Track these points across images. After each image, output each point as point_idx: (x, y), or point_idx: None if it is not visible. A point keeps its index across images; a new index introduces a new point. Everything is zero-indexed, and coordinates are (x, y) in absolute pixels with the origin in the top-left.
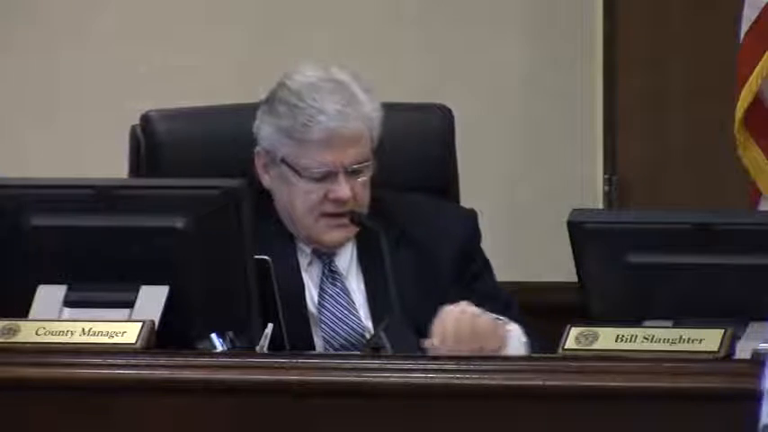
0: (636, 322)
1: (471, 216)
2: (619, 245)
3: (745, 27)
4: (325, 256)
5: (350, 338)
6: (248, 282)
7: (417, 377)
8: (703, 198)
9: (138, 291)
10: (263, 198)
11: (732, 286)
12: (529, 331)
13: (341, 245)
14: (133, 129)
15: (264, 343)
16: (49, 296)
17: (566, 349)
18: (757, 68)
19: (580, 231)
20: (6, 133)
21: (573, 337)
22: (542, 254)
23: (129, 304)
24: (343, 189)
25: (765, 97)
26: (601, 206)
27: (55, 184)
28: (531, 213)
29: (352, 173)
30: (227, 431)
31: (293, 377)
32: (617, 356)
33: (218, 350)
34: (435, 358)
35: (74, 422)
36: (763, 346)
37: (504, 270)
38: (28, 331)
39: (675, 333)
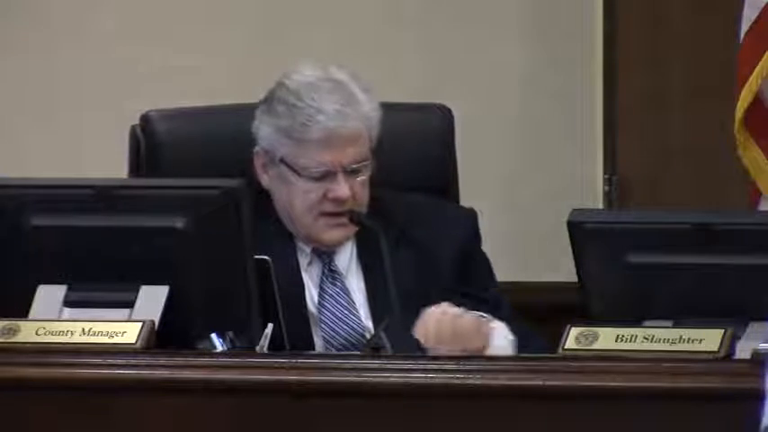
0: (636, 322)
1: (471, 216)
2: (619, 245)
3: (745, 27)
4: (325, 255)
5: (350, 338)
6: (248, 282)
7: (417, 377)
8: (703, 198)
9: (138, 291)
10: (263, 198)
11: (732, 286)
12: (527, 332)
13: (340, 244)
14: (133, 129)
15: (264, 343)
16: (49, 296)
17: (566, 349)
18: (757, 68)
19: (580, 231)
20: (6, 133)
21: (573, 337)
22: (542, 254)
23: (129, 304)
24: (342, 188)
25: (765, 97)
26: (601, 206)
27: (55, 184)
28: (531, 213)
29: (351, 172)
30: (227, 431)
31: (293, 377)
32: (617, 356)
33: (218, 350)
34: (435, 358)
35: (74, 422)
36: (763, 346)
37: (504, 270)
38: (28, 331)
39: (675, 333)
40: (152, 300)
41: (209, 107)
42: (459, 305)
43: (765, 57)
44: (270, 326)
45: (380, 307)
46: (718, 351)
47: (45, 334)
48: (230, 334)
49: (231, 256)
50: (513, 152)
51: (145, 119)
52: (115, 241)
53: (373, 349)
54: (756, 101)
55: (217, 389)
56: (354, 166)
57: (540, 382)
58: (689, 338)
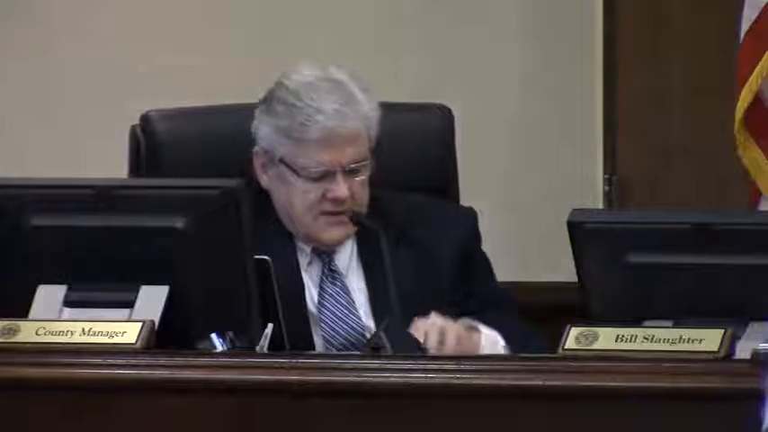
0: (636, 322)
1: (471, 216)
2: (619, 245)
3: (745, 27)
4: (325, 255)
5: (350, 338)
6: (248, 282)
7: (417, 377)
8: (703, 198)
9: (138, 291)
10: (263, 198)
11: (732, 286)
12: (527, 331)
13: (340, 243)
14: (133, 129)
15: (264, 343)
16: (49, 296)
17: (566, 349)
18: (757, 68)
19: (580, 231)
20: (6, 133)
21: (573, 337)
22: (542, 254)
23: (129, 304)
24: (340, 188)
25: (765, 97)
26: (601, 206)
27: (55, 184)
28: (531, 213)
29: (350, 172)
30: (227, 431)
31: (293, 377)
32: (617, 356)
33: (218, 350)
34: (435, 358)
35: (74, 422)
36: (763, 346)
37: (504, 270)
38: (28, 331)
39: (675, 333)
40: (152, 300)
41: (209, 107)
42: (459, 306)
43: (765, 57)
44: (270, 326)
45: (381, 307)
46: (718, 351)
47: (45, 334)
48: (230, 334)
49: (231, 256)
50: (513, 152)
51: (145, 119)
52: (115, 241)
53: (373, 349)
54: (756, 101)
55: (217, 389)
56: (353, 165)
57: (540, 382)
58: (689, 338)
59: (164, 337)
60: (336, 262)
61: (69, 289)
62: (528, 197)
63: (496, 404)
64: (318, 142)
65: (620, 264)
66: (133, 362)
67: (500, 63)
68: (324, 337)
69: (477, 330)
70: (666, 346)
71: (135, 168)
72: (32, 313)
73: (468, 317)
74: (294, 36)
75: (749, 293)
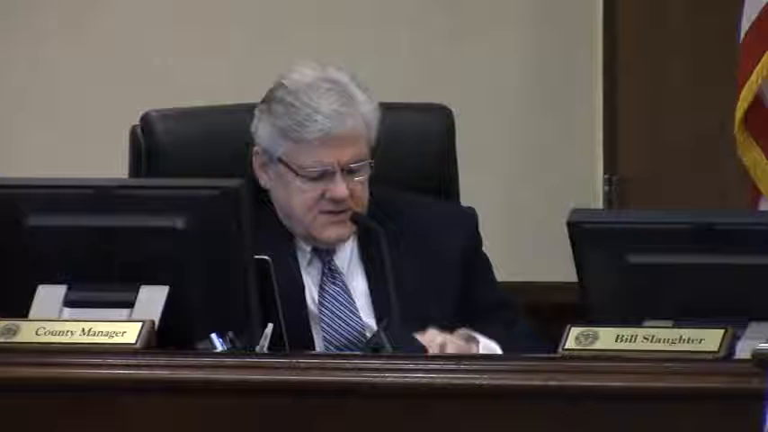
0: (636, 322)
1: (472, 217)
2: (619, 245)
3: (745, 27)
4: (325, 254)
5: (350, 337)
6: (248, 282)
7: (417, 377)
8: (703, 198)
9: (138, 291)
10: (263, 197)
11: (732, 286)
12: (528, 332)
13: (339, 242)
14: (133, 129)
15: (264, 343)
16: (49, 296)
17: (566, 349)
18: (757, 68)
19: (580, 231)
20: (6, 133)
21: (573, 337)
22: (542, 254)
23: (129, 304)
24: (339, 188)
25: (766, 97)
26: (601, 206)
27: (54, 184)
28: (531, 213)
29: (350, 172)
30: (227, 431)
31: (293, 377)
32: (617, 356)
33: (218, 350)
34: (435, 358)
35: (74, 422)
36: (763, 346)
37: (504, 270)
38: (28, 331)
39: (675, 333)
40: (152, 300)
41: (210, 107)
42: (458, 308)
43: (765, 57)
44: (270, 326)
45: (381, 306)
46: (718, 351)
47: (45, 334)
48: (230, 334)
49: (231, 256)
50: (513, 152)
51: (145, 119)
52: (115, 241)
53: (373, 349)
54: (756, 101)
55: (217, 389)
56: (353, 165)
57: (540, 382)
58: (689, 338)
59: (164, 337)
60: (336, 261)
61: (69, 289)
62: (528, 197)
63: (496, 404)
64: (317, 142)
65: (620, 264)
66: (133, 362)
67: (500, 63)
68: (324, 337)
69: (475, 341)
70: (666, 346)
71: (135, 168)
72: (32, 313)
73: (468, 322)
74: (294, 36)
75: (749, 293)
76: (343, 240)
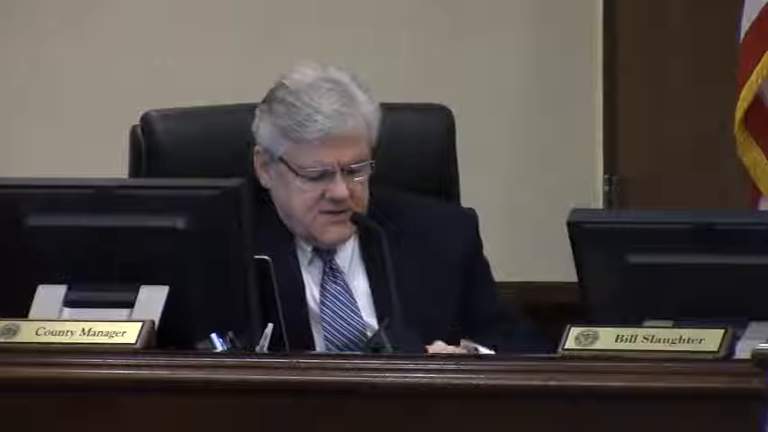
0: (636, 322)
1: (472, 218)
2: (619, 245)
3: (745, 27)
4: (326, 254)
5: (351, 336)
6: (248, 282)
7: (417, 377)
8: (703, 198)
9: (138, 291)
10: (263, 197)
11: (732, 286)
12: (528, 333)
13: (340, 242)
14: (133, 129)
15: (264, 343)
16: (49, 296)
17: (566, 349)
18: (757, 68)
19: (580, 231)
20: (6, 133)
21: (573, 337)
22: (542, 254)
23: (129, 304)
24: (339, 188)
25: (765, 97)
26: (601, 206)
27: (54, 184)
28: (531, 213)
29: (350, 172)
30: (227, 431)
31: (293, 377)
32: (617, 356)
33: (218, 350)
34: (435, 358)
35: (74, 422)
36: (763, 346)
37: (504, 270)
38: (28, 331)
39: (675, 333)
40: (152, 300)
41: (210, 107)
42: (457, 312)
43: (765, 57)
44: (270, 326)
45: (382, 306)
46: (718, 351)
47: (45, 334)
48: (230, 334)
49: (231, 256)
50: (513, 152)
51: (145, 119)
52: (115, 241)
53: (373, 349)
54: (756, 101)
55: (217, 389)
56: (353, 166)
57: (540, 382)
58: (689, 338)
59: (164, 337)
60: (338, 261)
61: (69, 289)
62: (528, 197)
63: (496, 404)
64: (317, 142)
65: (620, 264)
66: (133, 362)
67: (500, 63)
68: (325, 336)
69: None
70: (666, 346)
71: (135, 168)
72: (32, 313)
73: (468, 332)
74: (294, 36)
75: (749, 293)
76: (343, 241)
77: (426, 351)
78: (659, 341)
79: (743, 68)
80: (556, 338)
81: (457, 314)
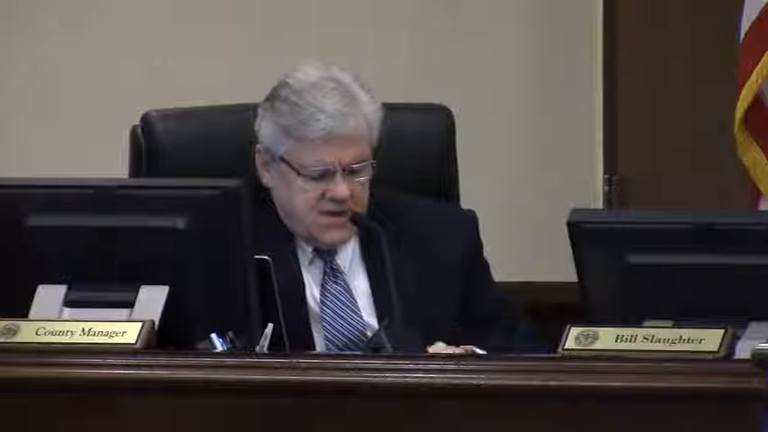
0: (636, 322)
1: (472, 219)
2: (619, 245)
3: (745, 27)
4: (327, 254)
5: (351, 336)
6: (248, 282)
7: (417, 377)
8: (703, 198)
9: (138, 291)
10: (264, 197)
11: (732, 286)
12: (528, 333)
13: (340, 244)
14: (133, 129)
15: (264, 343)
16: (49, 296)
17: (566, 349)
18: (757, 68)
19: (580, 231)
20: (6, 133)
21: (573, 337)
22: (542, 254)
23: (129, 304)
24: (340, 188)
25: (765, 97)
26: (601, 206)
27: (54, 184)
28: (531, 213)
29: (351, 173)
30: (227, 431)
31: (293, 377)
32: (617, 356)
33: (218, 350)
34: (435, 358)
35: (74, 422)
36: (763, 346)
37: (504, 270)
38: (28, 331)
39: (675, 333)
40: (152, 300)
41: (209, 107)
42: (457, 313)
43: (765, 57)
44: (270, 326)
45: (383, 306)
46: (718, 351)
47: (45, 334)
48: (230, 334)
49: (231, 256)
50: (513, 152)
51: (145, 119)
52: (115, 241)
53: (373, 349)
54: (756, 101)
55: (217, 389)
56: (354, 166)
57: (540, 382)
58: (689, 338)
59: (164, 337)
60: (338, 261)
61: (69, 289)
62: (528, 197)
63: (496, 404)
64: (319, 141)
65: (620, 264)
66: (133, 362)
67: (500, 63)
68: (326, 336)
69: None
70: (666, 346)
71: (135, 168)
72: (32, 313)
73: (468, 331)
74: (294, 36)
75: (749, 293)
76: (343, 243)
77: (426, 351)
78: (659, 341)
79: (743, 68)
80: (556, 338)
81: (457, 315)
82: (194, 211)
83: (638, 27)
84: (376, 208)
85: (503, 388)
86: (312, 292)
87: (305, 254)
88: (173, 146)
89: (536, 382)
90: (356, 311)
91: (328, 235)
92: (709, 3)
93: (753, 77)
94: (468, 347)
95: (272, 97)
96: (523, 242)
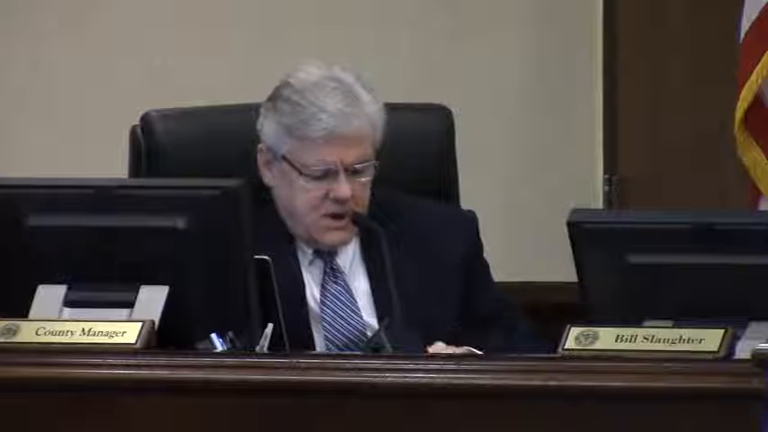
0: (636, 322)
1: (472, 220)
2: (619, 245)
3: (745, 27)
4: (327, 254)
5: (352, 336)
6: (248, 282)
7: (417, 377)
8: (703, 198)
9: (138, 291)
10: (265, 196)
11: (732, 286)
12: (528, 333)
13: (341, 245)
14: (133, 129)
15: (264, 343)
16: (49, 296)
17: (566, 349)
18: (757, 68)
19: (580, 231)
20: (6, 133)
21: (573, 337)
22: (542, 254)
23: (129, 304)
24: (343, 188)
25: (765, 97)
26: (601, 206)
27: (54, 184)
28: (531, 213)
29: (354, 173)
30: (227, 431)
31: (293, 377)
32: (617, 356)
33: (218, 350)
34: (435, 358)
35: (74, 422)
36: (763, 346)
37: (504, 270)
38: (28, 331)
39: (675, 333)
40: (152, 300)
41: (209, 107)
42: (458, 313)
43: (765, 57)
44: (270, 326)
45: (383, 306)
46: (718, 351)
47: (45, 334)
48: (230, 334)
49: (231, 256)
50: (513, 152)
51: (145, 119)
52: (115, 241)
53: (373, 349)
54: (756, 101)
55: (217, 389)
56: (357, 166)
57: (540, 382)
58: (689, 338)
59: (164, 337)
60: (338, 261)
61: (69, 289)
62: (528, 197)
63: (496, 404)
64: (321, 141)
65: (620, 264)
66: (133, 362)
67: (500, 63)
68: (326, 336)
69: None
70: (666, 346)
71: (135, 168)
72: (32, 313)
73: (468, 331)
74: (294, 36)
75: (749, 293)
76: (344, 244)
77: (426, 351)
78: (659, 341)
79: (743, 68)
80: (556, 338)
81: (457, 315)
82: (194, 211)
83: (638, 27)
84: (377, 208)
85: (503, 388)
86: (312, 292)
87: (305, 254)
88: (173, 146)
89: (536, 382)
90: (356, 311)
91: (329, 236)
92: (709, 3)
93: (753, 77)
94: (466, 348)
95: (274, 97)
96: (523, 242)
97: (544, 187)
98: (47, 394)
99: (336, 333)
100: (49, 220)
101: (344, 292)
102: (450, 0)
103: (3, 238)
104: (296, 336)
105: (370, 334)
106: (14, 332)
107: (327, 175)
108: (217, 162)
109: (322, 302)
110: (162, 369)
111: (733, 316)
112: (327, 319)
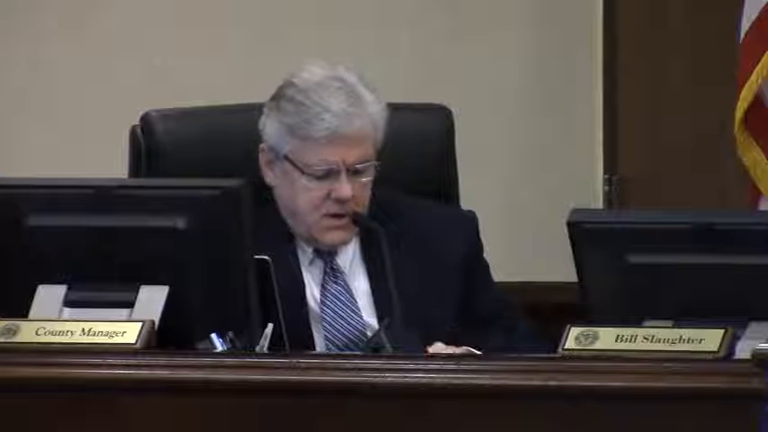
0: (636, 322)
1: (472, 220)
2: (619, 245)
3: (745, 27)
4: (327, 254)
5: (352, 336)
6: (248, 282)
7: (417, 377)
8: (703, 198)
9: (138, 291)
10: (266, 196)
11: (732, 286)
12: (528, 333)
13: (341, 245)
14: (133, 129)
15: (264, 343)
16: (49, 296)
17: (566, 349)
18: (757, 68)
19: (580, 231)
20: (6, 133)
21: (573, 337)
22: (542, 254)
23: (129, 304)
24: (344, 188)
25: (765, 97)
26: (601, 206)
27: (54, 184)
28: (531, 213)
29: (355, 173)
30: (227, 431)
31: (293, 377)
32: (617, 356)
33: (218, 350)
34: (435, 358)
35: (74, 422)
36: (763, 346)
37: (504, 270)
38: (28, 331)
39: (675, 333)
40: (152, 300)
41: (209, 107)
42: (458, 313)
43: (765, 57)
44: (270, 326)
45: (383, 306)
46: (718, 351)
47: (45, 334)
48: (230, 334)
49: (231, 256)
50: (513, 152)
51: (145, 119)
52: (115, 241)
53: (373, 349)
54: (756, 101)
55: (217, 389)
56: (359, 166)
57: (540, 382)
58: (689, 338)
59: (164, 337)
60: (339, 261)
61: (69, 289)
62: (528, 197)
63: (496, 404)
64: (323, 141)
65: (620, 264)
66: (133, 362)
67: (500, 63)
68: (326, 336)
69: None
70: (666, 346)
71: (135, 168)
72: (32, 313)
73: (468, 331)
74: (294, 36)
75: (749, 293)
76: (344, 244)
77: (426, 351)
78: (659, 341)
79: (743, 68)
80: (556, 338)
81: (457, 315)
82: (194, 211)
83: (638, 27)
84: (377, 208)
85: (503, 388)
86: (312, 292)
87: (305, 254)
88: (172, 146)
89: (536, 382)
90: (356, 311)
91: (329, 236)
92: (709, 3)
93: (753, 77)
94: (465, 348)
95: (277, 96)
96: (523, 242)
97: (544, 187)
98: (47, 394)
99: (336, 333)
100: (49, 220)
101: (344, 292)
102: (450, 0)
103: (3, 238)
104: (296, 336)
105: (370, 334)
106: (14, 332)
107: (329, 174)
108: (217, 162)
109: (322, 302)
110: (162, 369)
111: (733, 316)
112: (327, 319)
